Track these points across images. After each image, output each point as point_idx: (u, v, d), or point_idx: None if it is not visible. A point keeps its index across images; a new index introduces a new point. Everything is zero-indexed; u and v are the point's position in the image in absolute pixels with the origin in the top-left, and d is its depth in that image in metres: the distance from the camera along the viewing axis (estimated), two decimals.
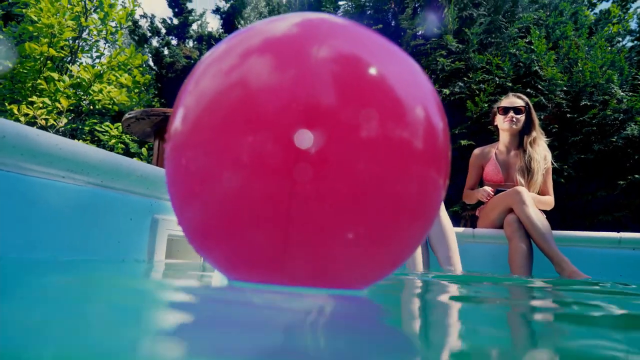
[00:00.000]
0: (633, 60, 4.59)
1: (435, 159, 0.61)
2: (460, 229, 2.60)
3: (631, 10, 5.92)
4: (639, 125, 3.94)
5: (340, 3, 5.88)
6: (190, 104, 0.60)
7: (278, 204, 0.53)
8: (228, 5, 7.93)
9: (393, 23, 5.34)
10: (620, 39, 5.22)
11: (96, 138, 7.45)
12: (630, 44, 5.35)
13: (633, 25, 5.54)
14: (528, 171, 2.47)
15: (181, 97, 0.65)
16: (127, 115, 2.84)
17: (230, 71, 0.58)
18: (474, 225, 2.73)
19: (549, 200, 2.55)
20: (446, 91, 4.44)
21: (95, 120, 7.28)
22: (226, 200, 0.57)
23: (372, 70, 0.57)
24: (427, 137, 0.59)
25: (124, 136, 7.46)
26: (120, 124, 6.62)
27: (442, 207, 2.21)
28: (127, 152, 7.64)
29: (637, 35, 5.40)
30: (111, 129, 7.45)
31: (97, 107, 7.55)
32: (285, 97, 0.53)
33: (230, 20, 7.64)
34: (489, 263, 2.45)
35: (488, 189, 2.54)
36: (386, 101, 0.56)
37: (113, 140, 7.29)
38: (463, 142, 4.16)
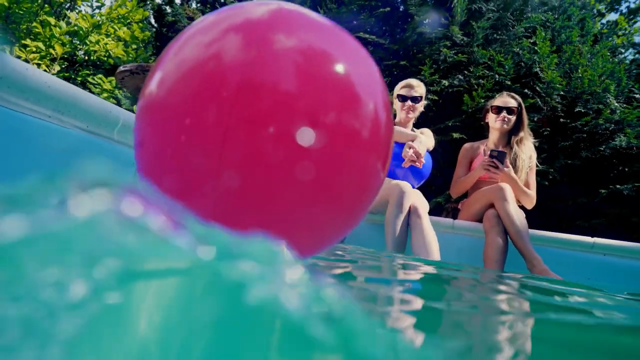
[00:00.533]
0: (632, 73, 4.62)
1: (383, 149, 0.67)
2: (441, 219, 2.64)
3: (638, 24, 5.93)
4: (628, 137, 4.00)
5: None
6: (165, 70, 0.62)
7: (214, 138, 0.56)
8: None
9: (401, 8, 5.29)
10: (622, 51, 5.24)
11: (88, 90, 7.32)
12: (631, 57, 5.38)
13: (637, 39, 5.56)
14: (513, 169, 2.52)
15: (159, 62, 0.67)
16: (121, 68, 2.79)
17: (204, 45, 0.61)
18: (455, 218, 2.77)
19: (532, 195, 2.59)
20: (445, 82, 4.43)
21: (88, 72, 7.15)
22: (177, 138, 0.58)
23: (329, 62, 0.61)
24: (372, 127, 0.63)
25: (116, 91, 7.35)
26: (113, 77, 6.50)
27: (426, 215, 2.22)
28: None
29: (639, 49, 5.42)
30: (104, 82, 7.32)
31: (92, 58, 7.41)
32: (245, 73, 0.57)
33: None
34: (465, 255, 2.49)
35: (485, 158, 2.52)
36: (334, 88, 0.60)
37: (105, 94, 7.17)
38: (455, 135, 4.18)
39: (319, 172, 0.59)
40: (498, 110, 2.60)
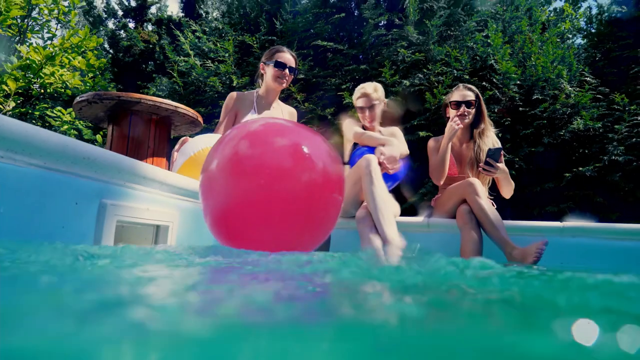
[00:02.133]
0: (581, 57, 4.81)
1: (336, 183, 1.19)
2: (416, 218, 2.67)
3: (581, 9, 6.19)
4: (584, 120, 4.15)
5: None
6: (213, 157, 1.22)
7: (257, 204, 1.13)
8: None
9: (356, 12, 5.37)
10: (570, 36, 5.45)
11: (47, 124, 7.11)
12: (579, 42, 5.60)
13: (582, 23, 5.80)
14: (477, 161, 2.55)
15: (212, 153, 1.25)
16: (78, 99, 2.73)
17: (235, 144, 1.20)
18: (430, 215, 2.80)
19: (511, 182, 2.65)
20: (406, 82, 4.50)
21: (46, 105, 6.95)
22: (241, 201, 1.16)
23: (305, 147, 1.14)
24: (333, 176, 1.19)
25: (77, 122, 7.17)
26: (72, 109, 6.35)
27: (373, 168, 2.19)
28: (81, 139, 7.35)
29: (585, 33, 5.66)
30: (63, 114, 7.14)
31: (48, 90, 7.21)
32: (260, 160, 1.14)
33: (191, 5, 7.44)
34: (442, 251, 2.52)
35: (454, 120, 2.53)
36: (306, 160, 1.13)
37: (65, 126, 6.98)
38: (422, 134, 4.25)
39: (306, 209, 1.15)
40: (457, 105, 2.63)
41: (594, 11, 5.72)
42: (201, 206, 1.36)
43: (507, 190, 2.62)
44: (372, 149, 2.47)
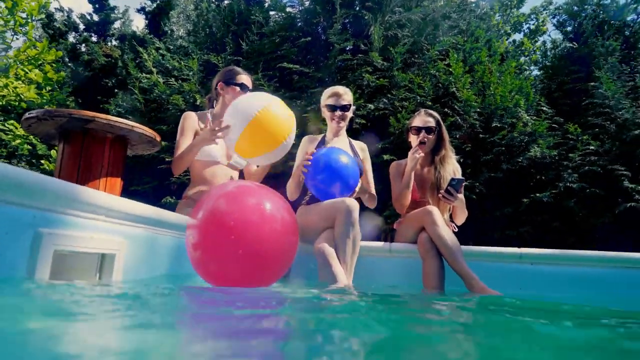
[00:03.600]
0: (537, 88, 5.01)
1: (292, 229, 1.52)
2: (378, 243, 2.64)
3: (538, 43, 6.51)
4: (541, 147, 4.29)
5: (271, 13, 5.87)
6: (199, 215, 1.48)
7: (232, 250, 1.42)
8: (154, 5, 7.61)
9: (323, 37, 5.41)
10: (527, 68, 5.69)
11: None
12: (535, 73, 5.85)
13: (538, 56, 6.08)
14: (438, 188, 2.56)
15: (197, 209, 1.50)
16: (27, 115, 2.58)
17: (211, 203, 1.52)
18: (393, 239, 2.79)
19: (465, 210, 2.67)
20: (371, 106, 4.55)
21: None
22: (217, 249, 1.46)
23: (268, 204, 1.47)
24: (289, 225, 1.51)
25: (31, 137, 6.86)
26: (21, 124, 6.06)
27: (355, 217, 2.20)
28: (35, 154, 7.03)
29: (541, 65, 5.92)
30: (16, 129, 6.81)
31: (1, 103, 6.88)
32: (232, 217, 1.43)
33: (156, 21, 7.33)
34: (404, 277, 2.50)
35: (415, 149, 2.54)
36: (268, 213, 1.47)
37: (18, 141, 6.67)
38: (386, 157, 4.27)
39: (267, 250, 1.44)
40: (417, 130, 2.65)
41: (549, 45, 6.01)
42: (153, 232, 1.54)
43: (461, 218, 2.68)
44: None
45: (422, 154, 2.54)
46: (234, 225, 1.39)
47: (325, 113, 2.69)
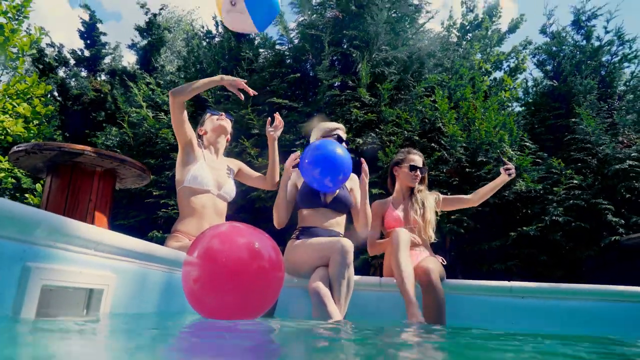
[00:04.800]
0: (520, 124, 5.15)
1: (278, 266, 1.62)
2: (368, 278, 2.63)
3: (518, 80, 6.73)
4: (526, 182, 4.37)
5: (261, 50, 6.00)
6: (195, 252, 1.57)
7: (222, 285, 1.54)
8: (145, 42, 7.74)
9: (311, 73, 5.54)
10: (510, 104, 5.86)
11: None
12: (518, 109, 6.03)
13: (520, 93, 6.28)
14: (423, 218, 2.72)
15: (193, 247, 1.60)
16: (15, 148, 2.57)
17: (206, 243, 1.60)
18: (382, 274, 2.78)
19: (470, 196, 2.95)
20: (359, 140, 4.62)
21: None
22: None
23: (256, 243, 1.58)
24: (275, 263, 1.60)
25: (16, 170, 6.77)
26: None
27: (351, 259, 2.21)
28: (19, 188, 6.92)
29: (523, 102, 6.11)
30: (1, 162, 6.73)
31: None
32: (225, 254, 1.57)
33: (147, 57, 7.44)
34: (395, 312, 2.47)
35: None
36: (256, 251, 1.58)
37: (2, 174, 6.57)
38: (374, 191, 4.31)
39: (258, 288, 1.57)
40: (413, 168, 2.80)
41: (530, 83, 6.22)
42: (144, 267, 1.60)
43: (485, 197, 2.98)
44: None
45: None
46: (225, 262, 1.54)
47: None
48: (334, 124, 2.77)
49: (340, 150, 2.38)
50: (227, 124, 2.74)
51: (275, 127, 2.74)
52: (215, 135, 2.71)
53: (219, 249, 1.58)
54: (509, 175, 2.84)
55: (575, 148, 4.90)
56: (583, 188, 4.48)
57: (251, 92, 2.47)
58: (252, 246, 1.58)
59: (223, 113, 2.77)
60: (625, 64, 5.65)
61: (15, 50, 6.48)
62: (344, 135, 2.74)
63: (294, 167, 2.54)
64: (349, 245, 2.21)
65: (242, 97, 2.44)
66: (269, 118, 2.78)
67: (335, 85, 5.37)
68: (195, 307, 1.63)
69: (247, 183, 2.88)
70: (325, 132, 2.72)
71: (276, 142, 2.77)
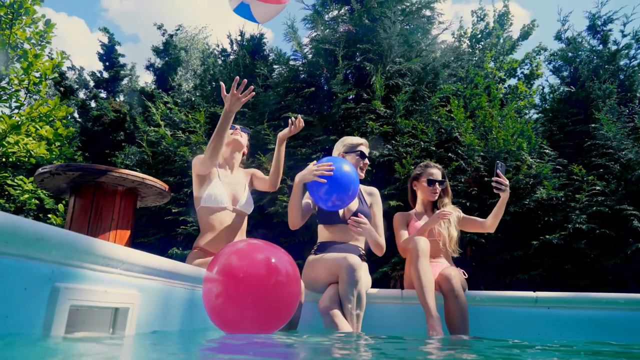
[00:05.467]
0: (538, 131, 5.08)
1: (295, 282, 1.68)
2: (389, 291, 2.61)
3: (534, 87, 6.66)
4: (546, 189, 4.30)
5: (275, 67, 6.08)
6: (214, 269, 1.64)
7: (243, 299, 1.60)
8: (162, 62, 7.92)
9: (325, 87, 5.58)
10: (527, 112, 5.80)
11: (6, 192, 6.84)
12: (535, 116, 5.96)
13: (537, 100, 6.21)
14: (449, 222, 2.69)
15: (213, 264, 1.67)
16: (40, 170, 2.64)
17: (225, 260, 1.68)
18: (403, 286, 2.75)
19: (485, 220, 2.76)
20: (376, 153, 4.61)
21: (6, 174, 6.72)
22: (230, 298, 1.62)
23: (273, 259, 1.66)
24: (292, 277, 1.67)
25: (39, 191, 6.93)
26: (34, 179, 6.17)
27: (359, 275, 2.19)
28: (42, 208, 7.08)
29: (541, 109, 6.04)
30: (25, 184, 6.90)
31: (10, 159, 7.01)
32: (243, 270, 1.63)
33: (164, 77, 7.60)
34: (417, 324, 2.44)
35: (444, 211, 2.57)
36: (273, 266, 1.65)
37: (26, 195, 6.73)
38: (392, 203, 4.29)
39: (275, 301, 1.63)
40: (431, 182, 2.78)
41: (547, 90, 6.16)
42: (168, 285, 1.64)
43: (498, 220, 2.68)
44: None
45: (501, 191, 2.59)
46: (243, 277, 1.61)
47: (353, 157, 2.70)
48: (357, 139, 2.75)
49: (347, 168, 2.31)
50: (242, 138, 2.74)
51: (295, 128, 2.65)
52: (230, 151, 2.71)
53: (236, 265, 1.64)
54: (501, 190, 2.58)
55: (597, 154, 4.81)
56: (606, 194, 4.38)
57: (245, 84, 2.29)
58: (270, 261, 1.64)
59: (238, 127, 2.75)
60: None
61: (38, 74, 6.69)
62: (366, 151, 2.73)
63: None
64: (356, 262, 2.19)
65: (241, 96, 2.22)
66: (290, 120, 2.68)
67: (350, 98, 5.39)
68: (216, 322, 1.67)
69: (259, 187, 2.82)
70: (348, 148, 2.72)
71: (284, 145, 2.70)
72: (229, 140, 2.69)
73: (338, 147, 2.77)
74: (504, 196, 2.59)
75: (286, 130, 2.68)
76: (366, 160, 2.69)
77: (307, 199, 2.64)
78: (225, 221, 2.51)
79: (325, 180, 2.23)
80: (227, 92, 2.22)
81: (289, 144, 4.98)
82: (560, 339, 2.25)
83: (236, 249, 1.72)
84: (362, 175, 2.68)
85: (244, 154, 2.83)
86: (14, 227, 0.99)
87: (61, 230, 1.13)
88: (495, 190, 2.58)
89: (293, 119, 2.68)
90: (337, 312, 2.13)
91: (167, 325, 1.63)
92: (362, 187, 2.83)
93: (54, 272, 1.14)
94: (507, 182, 2.57)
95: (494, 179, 2.55)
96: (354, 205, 2.59)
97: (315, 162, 2.38)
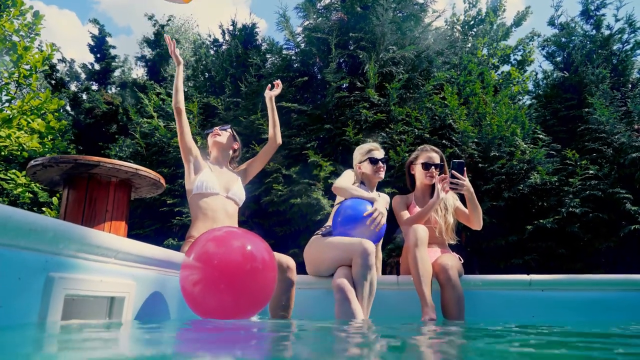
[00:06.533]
0: (532, 116, 5.09)
1: (270, 268, 1.72)
2: (385, 277, 2.62)
3: (527, 73, 6.66)
4: (540, 174, 4.32)
5: (268, 56, 6.04)
6: (191, 254, 1.65)
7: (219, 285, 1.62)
8: (154, 53, 7.84)
9: (319, 76, 5.56)
10: (520, 98, 5.81)
11: None
12: (529, 102, 5.97)
13: (530, 86, 6.21)
14: (446, 209, 2.65)
15: (190, 251, 1.67)
16: (32, 163, 2.62)
17: (203, 245, 1.69)
18: (399, 273, 2.77)
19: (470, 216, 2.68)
20: (370, 140, 4.61)
21: None
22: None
23: (248, 246, 1.69)
24: (267, 264, 1.71)
25: (32, 184, 6.89)
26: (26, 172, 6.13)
27: (373, 260, 2.20)
28: (36, 202, 7.04)
29: (534, 94, 6.04)
30: (18, 177, 6.86)
31: (2, 153, 6.96)
32: (220, 256, 1.66)
33: (156, 69, 7.52)
34: (412, 310, 2.46)
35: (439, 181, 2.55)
36: (249, 252, 1.69)
37: (19, 189, 6.69)
38: (387, 190, 4.30)
39: (252, 284, 1.66)
40: (427, 166, 2.72)
41: (540, 75, 6.16)
42: (162, 274, 1.65)
43: (476, 216, 2.59)
44: (356, 211, 2.41)
45: (458, 189, 2.51)
46: (218, 264, 1.62)
47: (366, 165, 2.71)
48: (367, 146, 2.76)
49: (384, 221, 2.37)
50: (222, 136, 2.74)
51: (277, 88, 2.85)
52: (215, 151, 2.75)
53: (212, 252, 1.66)
54: (457, 189, 2.48)
55: (590, 138, 4.83)
56: (599, 178, 4.41)
57: (169, 40, 2.63)
58: (245, 248, 1.67)
59: (216, 128, 2.78)
60: (638, 52, 5.57)
61: (27, 67, 6.61)
62: (379, 155, 2.72)
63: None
64: (370, 246, 2.21)
65: (180, 59, 2.61)
66: (269, 85, 2.87)
67: (344, 86, 5.38)
68: (192, 307, 1.67)
69: (261, 163, 2.83)
70: (362, 156, 2.74)
71: (273, 101, 2.83)
72: (210, 144, 2.76)
73: (356, 157, 2.79)
74: (467, 194, 2.52)
75: (270, 92, 2.83)
76: (380, 164, 2.69)
77: (337, 203, 2.65)
78: (217, 208, 2.50)
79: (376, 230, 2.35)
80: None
81: (283, 134, 4.96)
82: (554, 320, 2.28)
83: (213, 235, 1.75)
84: (382, 176, 2.72)
85: (233, 150, 2.81)
86: (5, 217, 0.99)
87: (54, 221, 1.13)
88: (451, 189, 2.49)
89: (273, 84, 2.86)
90: (351, 289, 2.14)
91: (163, 313, 1.64)
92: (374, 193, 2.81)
93: (48, 262, 1.14)
94: (465, 180, 2.46)
95: (448, 179, 2.49)
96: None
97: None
